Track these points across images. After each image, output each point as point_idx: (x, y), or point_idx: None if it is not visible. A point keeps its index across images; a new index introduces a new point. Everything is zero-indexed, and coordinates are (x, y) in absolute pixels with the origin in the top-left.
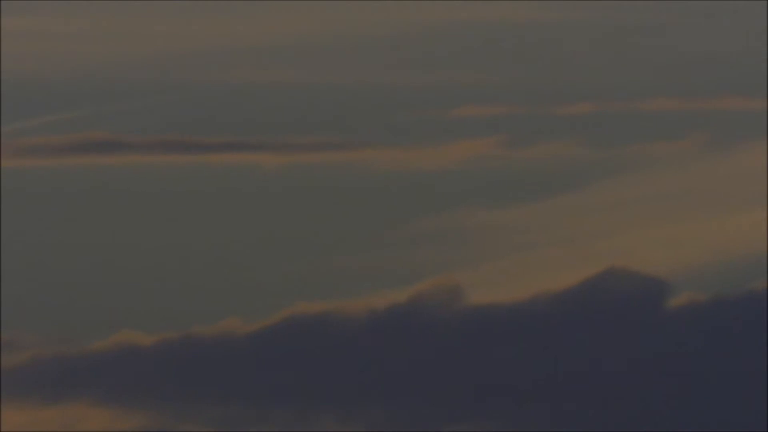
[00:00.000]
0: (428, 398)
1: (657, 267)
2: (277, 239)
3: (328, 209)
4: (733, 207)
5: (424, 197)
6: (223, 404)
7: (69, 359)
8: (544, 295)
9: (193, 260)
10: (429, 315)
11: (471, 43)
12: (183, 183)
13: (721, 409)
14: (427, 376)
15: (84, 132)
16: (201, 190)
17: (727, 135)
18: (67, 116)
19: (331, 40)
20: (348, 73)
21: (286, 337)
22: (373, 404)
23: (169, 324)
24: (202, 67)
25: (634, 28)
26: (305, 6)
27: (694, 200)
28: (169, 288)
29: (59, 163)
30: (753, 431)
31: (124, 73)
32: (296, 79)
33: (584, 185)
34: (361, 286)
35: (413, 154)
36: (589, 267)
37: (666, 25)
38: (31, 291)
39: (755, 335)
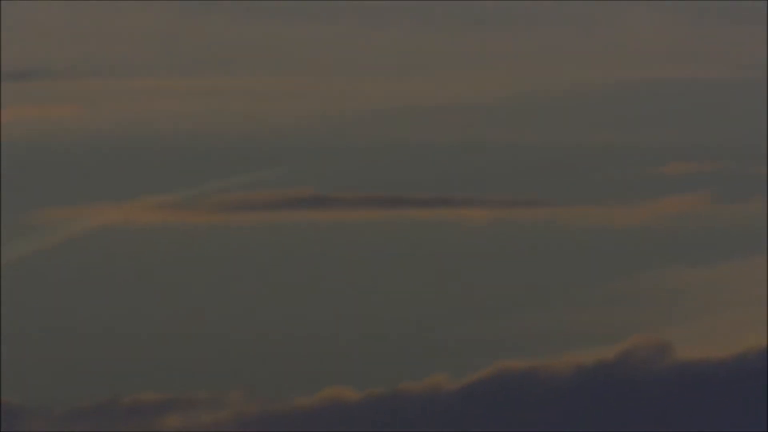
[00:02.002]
0: None
1: None
2: (484, 295)
3: (535, 266)
4: None
5: (630, 254)
6: None
7: (274, 416)
8: (753, 351)
9: (399, 316)
10: (637, 371)
11: (674, 101)
12: (389, 239)
13: None
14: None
15: (290, 188)
16: (407, 246)
17: None
18: (273, 173)
19: (535, 99)
20: (551, 131)
21: (494, 393)
22: None
23: (376, 380)
24: (405, 125)
25: None
26: (509, 64)
27: None
28: (377, 344)
29: (265, 218)
30: None
31: (330, 130)
32: (501, 137)
33: None
34: (569, 342)
35: (618, 211)
36: None
37: None
38: (236, 348)
39: None
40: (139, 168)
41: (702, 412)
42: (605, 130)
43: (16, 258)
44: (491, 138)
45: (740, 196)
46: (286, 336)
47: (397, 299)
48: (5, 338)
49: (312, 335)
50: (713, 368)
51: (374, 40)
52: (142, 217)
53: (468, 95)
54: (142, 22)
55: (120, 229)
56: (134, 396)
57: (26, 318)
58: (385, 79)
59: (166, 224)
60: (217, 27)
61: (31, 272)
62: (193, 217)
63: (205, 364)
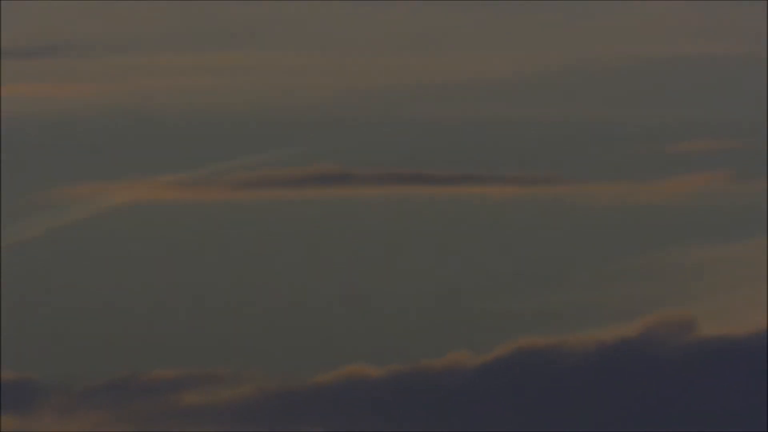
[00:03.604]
0: (660, 430)
1: None
2: (505, 271)
3: (556, 242)
4: None
5: (651, 231)
6: None
7: (294, 392)
8: None
9: (422, 292)
10: (659, 348)
11: (694, 78)
12: (410, 215)
13: None
14: (657, 408)
15: (314, 165)
16: (428, 222)
17: None
18: (295, 149)
19: (555, 75)
20: (569, 107)
21: (514, 370)
22: None
23: (397, 356)
24: (427, 102)
25: None
26: (528, 40)
27: None
28: (397, 320)
29: (288, 195)
30: None
31: (354, 106)
32: (521, 114)
33: None
34: (590, 319)
35: (638, 188)
36: None
37: None
38: (256, 324)
39: None
40: (161, 145)
41: (725, 388)
42: (625, 107)
43: (37, 234)
44: (512, 114)
45: (761, 172)
46: (306, 312)
47: (417, 276)
48: (25, 314)
49: (332, 312)
50: (736, 345)
51: (396, 16)
52: (164, 195)
53: (488, 71)
54: None
55: (141, 206)
56: (152, 372)
57: (46, 294)
58: (407, 55)
59: (188, 201)
60: (239, 2)
61: (53, 249)
62: (215, 194)
63: (225, 340)
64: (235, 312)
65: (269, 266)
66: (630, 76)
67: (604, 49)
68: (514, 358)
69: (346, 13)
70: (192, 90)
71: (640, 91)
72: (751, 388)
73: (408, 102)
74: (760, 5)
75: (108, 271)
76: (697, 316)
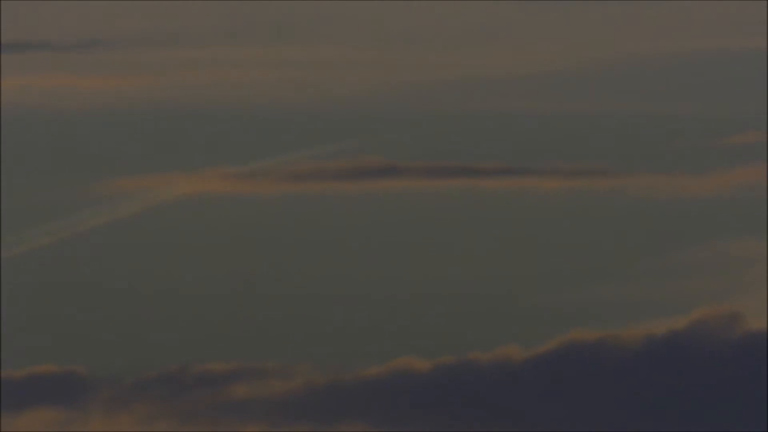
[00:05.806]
0: (709, 424)
1: None
2: (555, 265)
3: (603, 235)
4: None
5: (699, 224)
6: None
7: (343, 385)
8: None
9: (469, 286)
10: (708, 341)
11: (742, 71)
12: (459, 208)
13: None
14: (706, 401)
15: (359, 158)
16: (477, 216)
17: None
18: (344, 143)
19: (605, 69)
20: (620, 101)
21: (564, 363)
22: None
23: (446, 350)
24: (475, 95)
25: None
26: (578, 34)
27: None
28: (447, 314)
29: (336, 188)
30: None
31: (400, 100)
32: (572, 107)
33: None
34: (639, 313)
35: (687, 181)
36: None
37: None
38: (306, 317)
39: None
40: (212, 139)
41: None
42: (674, 101)
43: (89, 227)
44: (562, 108)
45: None
46: (355, 305)
47: (467, 269)
48: (76, 307)
49: (381, 304)
50: None
51: (444, 12)
52: (216, 187)
53: (539, 65)
54: None
55: (193, 199)
56: (203, 366)
57: (98, 287)
58: (453, 50)
59: (239, 194)
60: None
61: (104, 242)
62: (265, 187)
63: (275, 333)
64: (285, 304)
65: (320, 259)
66: (679, 70)
67: (654, 44)
68: (564, 352)
69: (397, 8)
70: (241, 84)
71: (689, 86)
72: None
73: (454, 96)
74: None
75: (159, 263)
76: (745, 309)
